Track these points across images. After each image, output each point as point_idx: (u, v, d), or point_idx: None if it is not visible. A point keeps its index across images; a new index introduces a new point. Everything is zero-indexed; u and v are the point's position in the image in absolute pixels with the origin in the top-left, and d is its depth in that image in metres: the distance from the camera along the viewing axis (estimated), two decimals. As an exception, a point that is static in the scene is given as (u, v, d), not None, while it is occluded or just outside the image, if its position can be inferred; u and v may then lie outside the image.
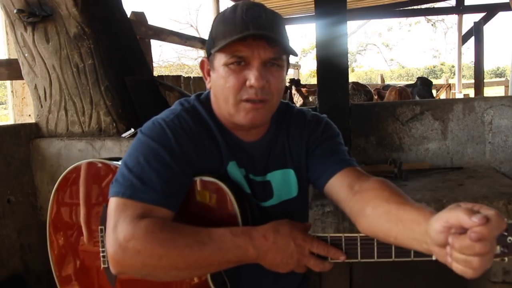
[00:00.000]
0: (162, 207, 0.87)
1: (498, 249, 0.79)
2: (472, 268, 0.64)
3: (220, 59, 0.92)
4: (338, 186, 0.98)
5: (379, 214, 0.83)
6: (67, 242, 1.12)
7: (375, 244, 0.88)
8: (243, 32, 0.87)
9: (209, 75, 1.00)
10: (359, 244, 0.89)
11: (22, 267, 1.96)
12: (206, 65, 1.00)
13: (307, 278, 1.20)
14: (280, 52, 0.92)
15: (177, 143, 0.92)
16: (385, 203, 0.84)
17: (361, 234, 0.89)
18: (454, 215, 0.64)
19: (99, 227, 1.06)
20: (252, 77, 0.89)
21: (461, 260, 0.64)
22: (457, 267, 0.65)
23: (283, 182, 1.06)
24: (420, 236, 0.73)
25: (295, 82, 8.40)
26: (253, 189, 1.02)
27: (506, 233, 0.79)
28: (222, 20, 0.93)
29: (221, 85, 0.93)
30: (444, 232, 0.66)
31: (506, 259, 0.81)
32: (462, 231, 0.64)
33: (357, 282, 1.94)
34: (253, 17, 0.89)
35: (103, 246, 1.05)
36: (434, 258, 0.82)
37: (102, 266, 1.05)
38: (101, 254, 1.05)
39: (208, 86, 1.00)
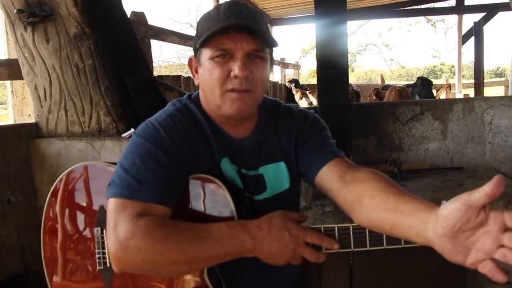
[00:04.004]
0: (159, 205, 0.88)
1: None
2: None
3: (205, 54, 0.96)
4: (329, 176, 1.00)
5: (377, 204, 0.85)
6: (61, 246, 1.12)
7: (367, 233, 0.90)
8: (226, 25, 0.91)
9: (197, 72, 1.03)
10: (351, 233, 0.91)
11: (22, 267, 1.96)
12: (194, 62, 1.04)
13: (306, 277, 1.20)
14: (262, 45, 0.96)
15: (171, 142, 0.94)
16: (383, 193, 0.85)
17: (353, 224, 0.91)
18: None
19: (95, 228, 1.06)
20: (236, 67, 0.93)
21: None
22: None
23: (276, 175, 1.08)
24: (420, 223, 0.73)
25: (295, 82, 8.49)
26: (246, 183, 1.05)
27: None
28: (207, 18, 0.98)
29: (207, 78, 0.97)
30: (461, 211, 0.64)
31: None
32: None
33: (357, 282, 1.94)
34: (235, 12, 0.93)
35: (99, 248, 1.05)
36: None
37: (98, 268, 1.05)
38: (97, 256, 1.05)
39: (196, 83, 1.03)
